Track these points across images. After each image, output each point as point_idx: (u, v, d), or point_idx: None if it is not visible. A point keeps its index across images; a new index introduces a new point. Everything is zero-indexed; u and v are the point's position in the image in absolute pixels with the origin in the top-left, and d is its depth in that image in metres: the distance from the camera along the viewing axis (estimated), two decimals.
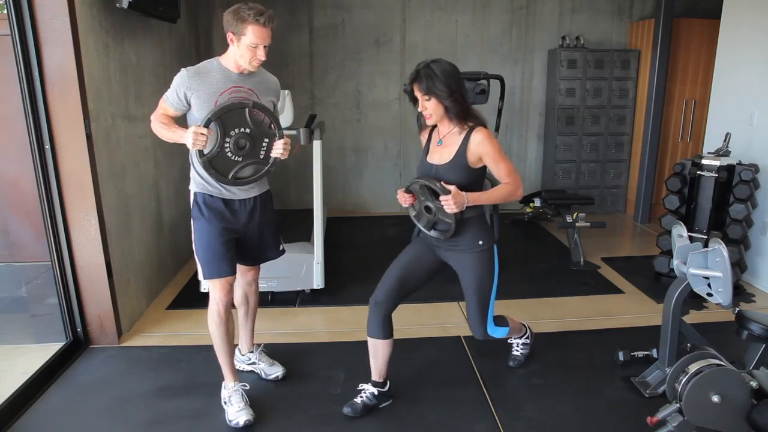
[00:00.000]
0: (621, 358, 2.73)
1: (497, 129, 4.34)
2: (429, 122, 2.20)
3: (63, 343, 2.82)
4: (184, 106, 2.20)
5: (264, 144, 2.26)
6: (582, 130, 5.56)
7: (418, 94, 2.12)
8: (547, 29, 5.60)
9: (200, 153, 2.15)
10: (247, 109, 2.17)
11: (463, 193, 2.11)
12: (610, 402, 2.47)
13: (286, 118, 3.39)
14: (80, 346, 2.89)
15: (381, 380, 2.39)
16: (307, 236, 3.85)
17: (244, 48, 2.12)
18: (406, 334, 3.07)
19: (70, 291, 2.83)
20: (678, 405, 1.90)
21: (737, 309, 2.36)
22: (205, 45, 4.96)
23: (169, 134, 2.21)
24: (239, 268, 2.48)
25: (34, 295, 3.83)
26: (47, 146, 2.64)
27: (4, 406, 2.30)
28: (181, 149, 2.39)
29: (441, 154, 2.20)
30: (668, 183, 3.75)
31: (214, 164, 2.19)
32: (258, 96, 2.24)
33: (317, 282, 3.53)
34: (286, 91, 3.38)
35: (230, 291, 2.33)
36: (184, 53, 4.26)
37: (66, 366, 2.73)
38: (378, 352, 2.35)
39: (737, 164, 3.51)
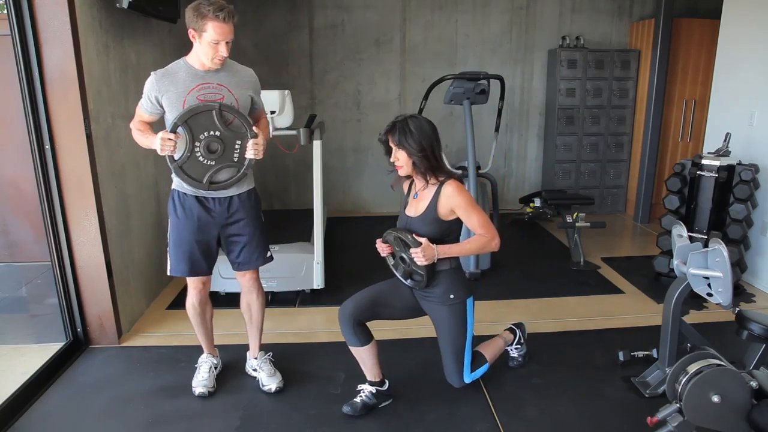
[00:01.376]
0: (621, 358, 2.72)
1: (497, 129, 4.34)
2: (400, 172, 2.23)
3: (63, 343, 2.82)
4: (158, 110, 2.20)
5: (237, 146, 2.21)
6: (582, 130, 5.56)
7: (391, 144, 2.18)
8: (547, 29, 5.60)
9: (171, 159, 2.14)
10: (215, 111, 2.12)
11: (434, 246, 2.14)
12: (610, 402, 2.47)
13: (286, 118, 3.39)
14: (80, 346, 2.89)
15: (377, 380, 2.40)
16: (307, 236, 3.85)
17: (206, 45, 2.09)
18: (406, 334, 3.07)
19: (70, 291, 2.83)
20: (678, 405, 1.90)
21: (737, 309, 2.36)
22: None
23: (144, 141, 2.22)
24: (237, 274, 2.48)
25: (34, 295, 3.83)
26: (47, 146, 2.64)
27: (4, 406, 2.30)
28: None
29: (416, 207, 2.25)
30: (668, 183, 3.75)
31: (186, 169, 2.17)
32: (230, 90, 2.20)
33: (317, 282, 3.53)
34: (286, 91, 3.38)
35: (202, 288, 2.45)
36: (184, 53, 4.24)
37: (66, 366, 2.73)
38: (363, 358, 2.36)
39: (737, 164, 3.51)
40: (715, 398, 1.83)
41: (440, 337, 2.37)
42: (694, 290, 2.30)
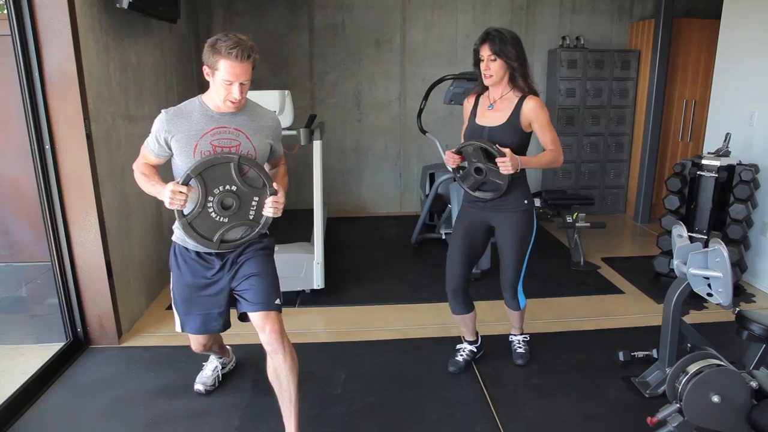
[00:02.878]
0: (621, 358, 2.72)
1: None
2: (487, 82, 2.31)
3: (63, 344, 2.82)
4: (166, 153, 1.97)
5: (254, 202, 1.98)
6: (582, 131, 5.56)
7: (485, 53, 2.25)
8: (547, 29, 5.60)
9: (180, 213, 1.92)
10: (233, 164, 1.90)
11: (517, 156, 2.25)
12: (610, 402, 2.47)
13: (286, 118, 3.39)
14: (80, 347, 2.89)
15: (474, 339, 2.70)
16: (307, 236, 3.85)
17: (218, 84, 1.85)
18: (407, 334, 3.07)
19: (70, 291, 2.83)
20: (678, 405, 1.90)
21: (737, 309, 2.36)
22: None
23: (149, 188, 2.00)
24: (257, 327, 2.09)
25: (34, 295, 3.82)
26: (47, 146, 2.64)
27: (4, 406, 2.30)
28: None
29: (492, 117, 2.34)
30: (668, 183, 3.74)
31: (197, 226, 1.95)
32: (248, 137, 1.95)
33: (317, 282, 3.53)
34: (286, 92, 3.38)
35: (203, 344, 2.33)
36: (184, 54, 4.26)
37: (66, 366, 2.73)
38: (467, 322, 2.65)
39: (737, 164, 3.51)
40: (715, 398, 1.83)
41: (506, 245, 2.47)
42: (694, 290, 2.30)
